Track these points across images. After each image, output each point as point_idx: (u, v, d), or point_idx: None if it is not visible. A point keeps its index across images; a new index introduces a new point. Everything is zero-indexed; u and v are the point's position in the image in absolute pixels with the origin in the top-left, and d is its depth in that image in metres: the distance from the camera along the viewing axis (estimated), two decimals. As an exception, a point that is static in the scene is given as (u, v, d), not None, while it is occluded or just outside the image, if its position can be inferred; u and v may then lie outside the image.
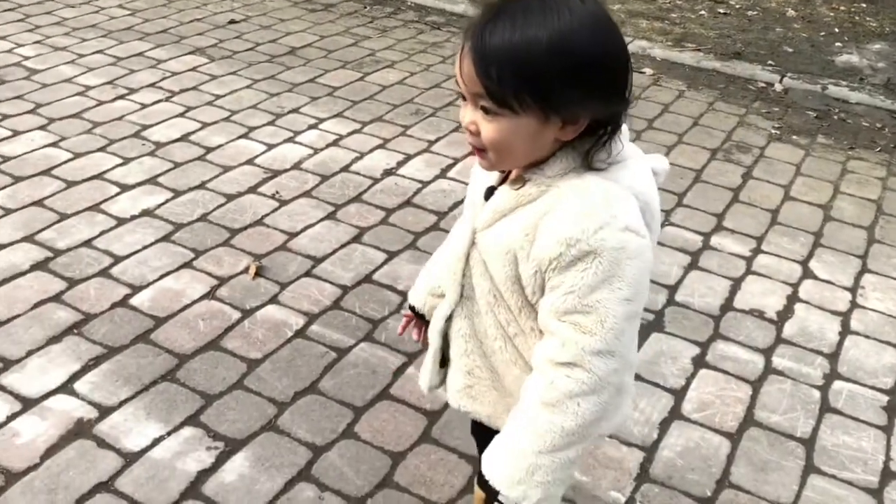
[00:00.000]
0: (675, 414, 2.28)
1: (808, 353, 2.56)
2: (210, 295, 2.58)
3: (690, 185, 3.49)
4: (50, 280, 2.58)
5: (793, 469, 2.15)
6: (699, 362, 2.48)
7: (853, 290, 2.89)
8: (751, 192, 3.47)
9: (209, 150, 3.44)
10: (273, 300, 2.58)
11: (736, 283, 2.86)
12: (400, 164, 3.47)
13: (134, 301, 2.53)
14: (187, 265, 2.71)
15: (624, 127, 1.19)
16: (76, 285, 2.57)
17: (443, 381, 1.46)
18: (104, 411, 2.12)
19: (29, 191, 3.04)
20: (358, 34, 4.89)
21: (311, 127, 3.71)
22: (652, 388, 2.37)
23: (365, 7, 5.39)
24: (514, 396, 1.27)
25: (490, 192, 1.26)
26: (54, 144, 3.37)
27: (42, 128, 3.50)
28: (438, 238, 2.88)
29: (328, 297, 2.62)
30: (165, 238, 2.84)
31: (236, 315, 2.50)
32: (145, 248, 2.77)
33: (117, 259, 2.71)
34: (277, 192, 3.17)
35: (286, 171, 3.34)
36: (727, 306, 2.74)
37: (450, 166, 3.47)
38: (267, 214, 3.03)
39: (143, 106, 3.76)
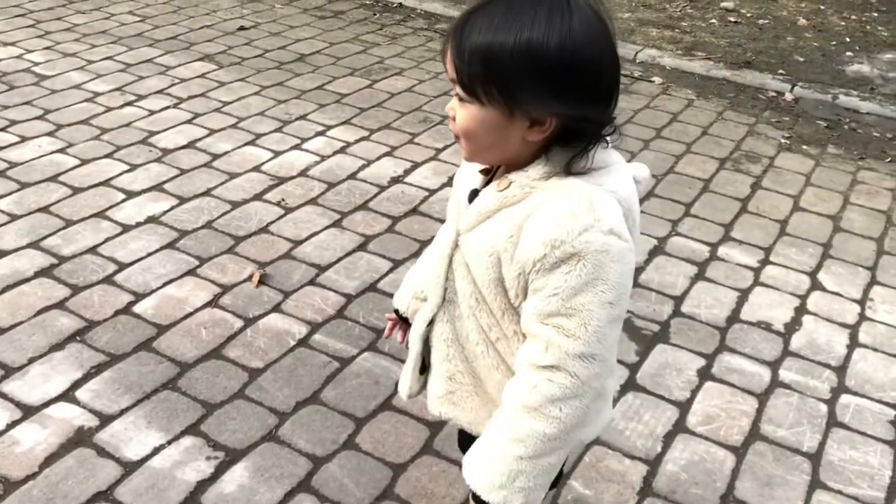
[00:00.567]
0: (679, 427, 2.26)
1: (815, 366, 2.53)
2: (213, 303, 2.57)
3: (698, 194, 3.47)
4: (54, 287, 2.59)
5: (798, 484, 2.12)
6: (705, 374, 2.46)
7: (862, 302, 2.86)
8: (759, 203, 3.45)
9: (216, 156, 3.44)
10: (276, 308, 2.57)
11: (743, 295, 2.84)
12: (407, 171, 3.46)
13: (137, 308, 2.52)
14: (191, 273, 2.71)
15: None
16: (80, 292, 2.57)
17: (423, 388, 1.44)
18: (105, 420, 2.12)
19: (35, 197, 3.05)
20: (367, 41, 4.89)
21: (318, 134, 3.71)
22: (657, 400, 2.34)
23: (374, 14, 5.39)
24: (496, 402, 1.26)
25: (474, 194, 1.26)
26: (62, 150, 3.38)
27: (50, 134, 3.51)
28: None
29: (332, 305, 2.61)
30: (170, 245, 2.83)
31: (239, 323, 2.50)
32: (149, 255, 2.77)
33: (121, 266, 2.71)
34: (283, 200, 3.17)
35: (292, 178, 3.33)
36: (734, 318, 2.72)
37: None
38: (272, 222, 3.02)
39: (151, 112, 3.77)
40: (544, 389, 1.15)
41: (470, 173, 1.30)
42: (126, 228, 2.91)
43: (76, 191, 3.11)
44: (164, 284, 2.64)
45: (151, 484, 1.95)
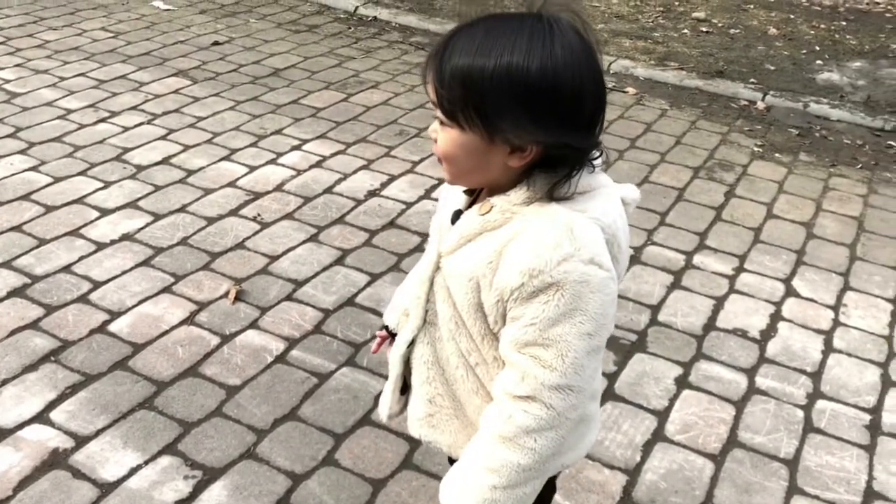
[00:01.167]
0: (658, 436, 2.27)
1: (791, 373, 2.56)
2: (189, 320, 2.55)
3: (673, 203, 3.50)
4: (27, 307, 2.55)
5: (776, 490, 2.13)
6: (682, 383, 2.47)
7: (836, 307, 2.89)
8: (733, 211, 3.48)
9: (190, 172, 3.42)
10: (253, 325, 2.56)
11: (719, 303, 2.86)
12: (384, 185, 3.46)
13: (112, 327, 2.50)
14: (167, 290, 2.69)
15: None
16: (54, 312, 2.54)
17: (403, 409, 1.43)
18: (80, 441, 2.09)
19: (7, 216, 3.01)
20: (342, 55, 4.90)
21: (294, 148, 3.71)
22: (635, 409, 2.35)
23: (349, 28, 5.40)
24: (476, 426, 1.25)
25: (457, 215, 1.25)
26: (34, 168, 3.35)
27: (22, 152, 3.48)
28: (421, 260, 2.87)
29: (309, 321, 2.60)
30: (145, 263, 2.81)
31: (216, 341, 2.48)
32: (125, 273, 2.75)
33: (96, 284, 2.68)
34: (259, 215, 3.16)
35: (268, 193, 3.32)
36: (710, 326, 2.74)
37: (434, 187, 3.46)
38: (248, 237, 3.01)
39: (125, 129, 3.75)
40: (519, 420, 1.14)
41: (454, 193, 1.29)
42: (100, 246, 2.88)
43: (49, 209, 3.08)
44: (140, 302, 2.62)
45: (128, 505, 1.93)
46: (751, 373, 2.54)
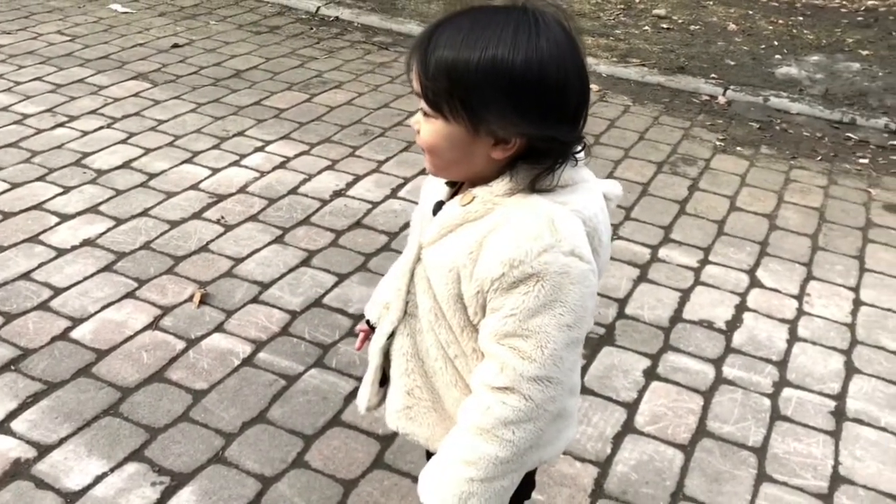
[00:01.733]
0: (628, 428, 2.28)
1: (757, 362, 2.58)
2: (153, 325, 2.51)
3: (637, 198, 3.52)
4: (-15, 315, 2.50)
5: (745, 478, 2.15)
6: (650, 374, 2.49)
7: (799, 297, 2.93)
8: (697, 204, 3.52)
9: (152, 176, 3.37)
10: (219, 328, 2.53)
11: (685, 295, 2.88)
12: (349, 185, 3.44)
13: (75, 334, 2.45)
14: (130, 295, 2.64)
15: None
16: (13, 320, 2.49)
17: (381, 402, 1.43)
18: (43, 450, 2.05)
19: (-37, 223, 2.95)
20: (304, 55, 4.86)
21: (257, 150, 3.67)
22: (604, 402, 2.36)
23: (311, 28, 5.36)
24: (454, 419, 1.25)
25: (439, 206, 1.24)
26: (-10, 175, 3.28)
27: (-23, 158, 3.40)
28: (390, 259, 2.86)
29: (276, 323, 2.57)
30: (107, 268, 2.76)
31: (181, 345, 2.44)
32: (86, 278, 2.70)
33: (57, 291, 2.63)
34: (223, 217, 3.12)
35: (232, 195, 3.28)
36: (677, 318, 2.76)
37: (400, 186, 3.45)
38: (212, 240, 2.97)
39: (84, 133, 3.68)
40: (497, 412, 1.13)
41: (436, 184, 1.28)
42: (61, 252, 2.83)
43: (6, 215, 3.02)
44: (103, 308, 2.57)
45: (94, 514, 1.89)
46: (718, 363, 2.56)
